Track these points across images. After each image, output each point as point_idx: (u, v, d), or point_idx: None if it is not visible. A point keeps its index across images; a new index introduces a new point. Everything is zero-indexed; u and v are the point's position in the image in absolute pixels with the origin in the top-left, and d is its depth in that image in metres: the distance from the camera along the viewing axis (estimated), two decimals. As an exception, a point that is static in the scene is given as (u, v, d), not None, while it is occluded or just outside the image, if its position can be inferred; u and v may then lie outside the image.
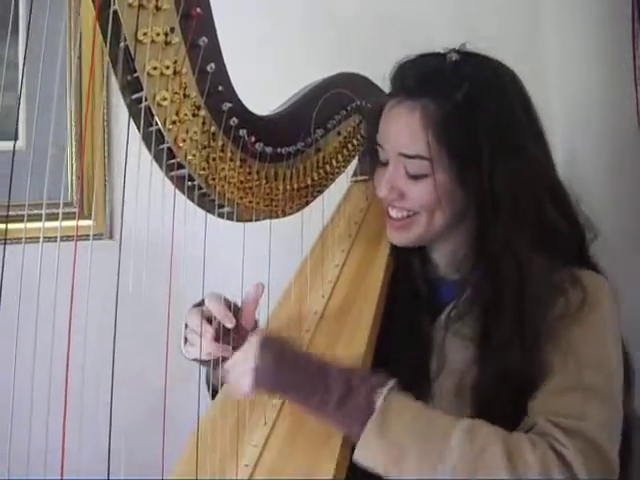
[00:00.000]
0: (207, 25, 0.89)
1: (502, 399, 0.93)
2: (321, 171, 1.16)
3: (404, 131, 1.00)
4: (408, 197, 1.02)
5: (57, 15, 1.49)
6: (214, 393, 1.08)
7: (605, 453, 0.83)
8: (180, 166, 0.93)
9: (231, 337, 0.99)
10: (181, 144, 0.91)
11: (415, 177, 1.00)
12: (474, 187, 0.98)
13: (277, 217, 1.10)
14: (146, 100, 0.86)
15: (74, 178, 1.64)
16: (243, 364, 0.89)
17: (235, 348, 0.95)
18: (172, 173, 0.93)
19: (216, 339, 0.98)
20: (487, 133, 0.97)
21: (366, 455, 0.85)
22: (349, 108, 1.19)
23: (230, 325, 0.99)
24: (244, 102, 0.97)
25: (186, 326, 1.02)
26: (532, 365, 0.92)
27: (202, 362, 1.03)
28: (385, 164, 1.05)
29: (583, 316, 0.94)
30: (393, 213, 1.06)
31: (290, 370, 0.89)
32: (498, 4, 1.77)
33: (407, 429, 0.84)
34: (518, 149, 0.99)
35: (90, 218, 1.62)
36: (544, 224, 1.00)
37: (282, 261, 1.09)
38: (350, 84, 1.19)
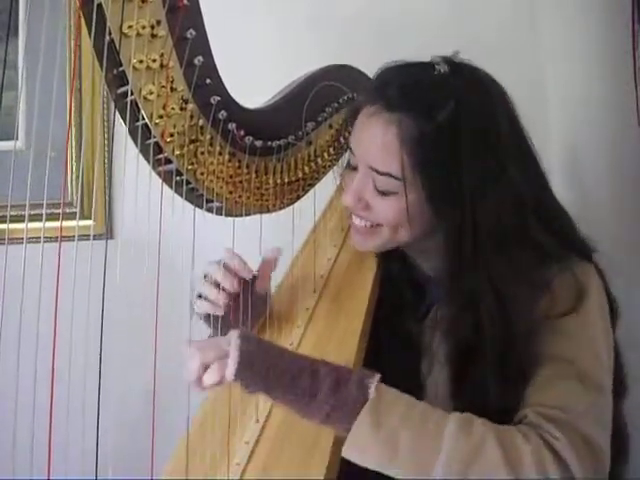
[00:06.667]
0: (195, 17, 0.87)
1: (491, 398, 0.91)
2: (312, 164, 1.14)
3: (377, 145, 0.94)
4: (374, 210, 0.98)
5: (56, 14, 1.48)
6: None
7: (595, 445, 0.82)
8: (168, 161, 0.92)
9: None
10: (168, 139, 0.89)
11: (383, 193, 0.96)
12: (449, 214, 0.93)
13: (268, 212, 1.09)
14: (132, 94, 0.84)
15: (74, 178, 1.65)
16: (222, 349, 0.82)
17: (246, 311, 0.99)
18: (160, 168, 0.91)
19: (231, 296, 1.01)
20: (468, 159, 0.90)
21: (358, 447, 0.81)
22: (341, 100, 1.16)
23: (248, 276, 1.01)
24: (233, 95, 0.95)
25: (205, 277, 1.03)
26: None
27: (209, 319, 1.02)
28: (354, 168, 1.01)
29: (570, 315, 0.92)
30: (357, 221, 1.02)
31: (276, 358, 0.83)
32: (497, 5, 1.75)
33: (401, 421, 0.81)
34: (501, 175, 0.92)
35: (90, 218, 1.62)
36: (531, 247, 0.95)
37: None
38: (342, 76, 1.17)
